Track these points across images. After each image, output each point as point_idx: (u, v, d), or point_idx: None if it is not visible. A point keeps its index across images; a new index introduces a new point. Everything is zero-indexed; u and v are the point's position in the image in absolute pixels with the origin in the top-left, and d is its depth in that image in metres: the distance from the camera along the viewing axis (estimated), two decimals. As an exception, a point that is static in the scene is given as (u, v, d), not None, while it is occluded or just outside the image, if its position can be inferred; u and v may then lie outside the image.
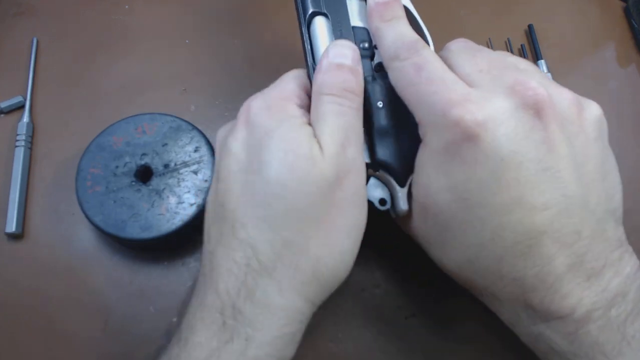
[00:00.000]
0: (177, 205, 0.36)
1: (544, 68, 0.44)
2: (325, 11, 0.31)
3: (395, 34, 0.29)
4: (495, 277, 0.27)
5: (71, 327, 0.36)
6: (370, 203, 0.29)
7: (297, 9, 0.32)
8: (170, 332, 0.35)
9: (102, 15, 0.46)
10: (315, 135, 0.27)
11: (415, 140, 0.28)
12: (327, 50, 0.29)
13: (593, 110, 0.28)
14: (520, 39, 0.46)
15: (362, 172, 0.29)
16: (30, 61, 0.44)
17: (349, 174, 0.27)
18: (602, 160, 0.28)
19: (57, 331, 0.36)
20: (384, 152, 0.29)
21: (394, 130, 0.29)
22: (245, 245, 0.27)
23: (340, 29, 0.31)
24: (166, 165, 0.37)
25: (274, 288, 0.27)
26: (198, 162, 0.37)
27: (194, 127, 0.38)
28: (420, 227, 0.29)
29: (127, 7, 0.47)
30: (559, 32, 0.46)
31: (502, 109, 0.26)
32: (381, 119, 0.29)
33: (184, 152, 0.37)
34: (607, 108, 0.44)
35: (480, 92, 0.26)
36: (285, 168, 0.27)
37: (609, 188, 0.28)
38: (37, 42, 0.45)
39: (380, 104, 0.29)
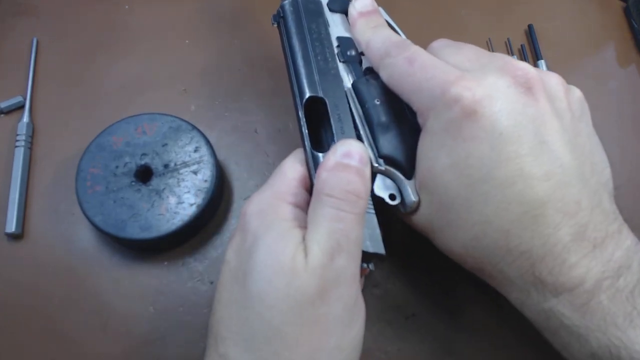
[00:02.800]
0: (176, 205, 0.36)
1: (544, 68, 0.44)
2: (322, 95, 0.30)
3: (382, 37, 0.31)
4: (503, 251, 0.27)
5: (71, 327, 0.36)
6: (380, 199, 0.30)
7: (292, 92, 0.31)
8: (170, 335, 0.36)
9: (102, 15, 0.46)
10: (305, 241, 0.26)
11: (415, 133, 0.29)
12: (335, 147, 0.27)
13: (576, 92, 0.30)
14: (520, 39, 0.46)
15: (355, 283, 0.26)
16: (30, 61, 0.44)
17: (336, 286, 0.25)
18: (589, 137, 0.29)
19: (57, 331, 0.36)
20: (387, 147, 0.29)
21: (394, 125, 0.30)
22: None
23: (339, 112, 0.30)
24: (166, 166, 0.37)
25: None
26: (198, 162, 0.37)
27: (194, 127, 0.38)
28: (424, 213, 0.29)
29: (127, 7, 0.47)
30: (559, 32, 0.46)
31: (496, 85, 0.27)
32: (381, 115, 0.30)
33: (184, 152, 0.37)
34: (607, 108, 0.45)
35: (473, 73, 0.27)
36: (264, 280, 0.25)
37: (598, 162, 0.29)
38: (37, 42, 0.45)
39: (377, 101, 0.30)
